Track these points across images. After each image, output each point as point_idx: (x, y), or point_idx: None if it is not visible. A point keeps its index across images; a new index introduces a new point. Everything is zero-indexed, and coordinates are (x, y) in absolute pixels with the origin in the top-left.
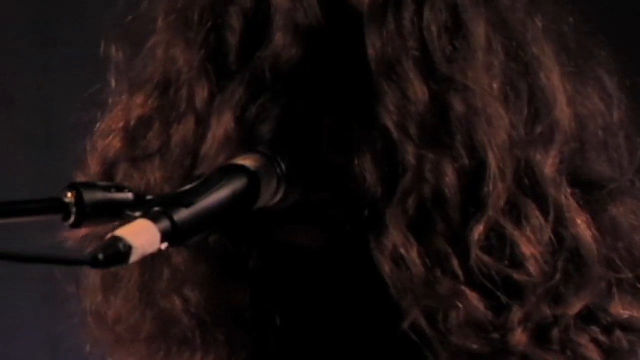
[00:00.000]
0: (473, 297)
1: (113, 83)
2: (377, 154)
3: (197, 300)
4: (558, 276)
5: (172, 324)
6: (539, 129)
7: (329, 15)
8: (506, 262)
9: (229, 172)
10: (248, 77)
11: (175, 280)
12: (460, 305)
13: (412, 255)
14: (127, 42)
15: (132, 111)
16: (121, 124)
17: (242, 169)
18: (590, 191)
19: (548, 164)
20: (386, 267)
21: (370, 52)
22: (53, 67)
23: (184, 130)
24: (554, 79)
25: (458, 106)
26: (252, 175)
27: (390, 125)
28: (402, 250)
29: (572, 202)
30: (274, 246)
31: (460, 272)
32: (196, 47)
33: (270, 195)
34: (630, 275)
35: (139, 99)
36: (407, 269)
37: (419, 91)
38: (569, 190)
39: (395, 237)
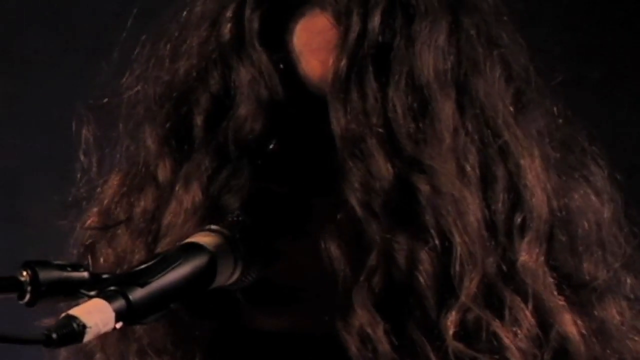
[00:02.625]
0: None
1: (84, 162)
2: (341, 232)
3: None
4: None
5: None
6: (517, 219)
7: (292, 90)
8: (483, 350)
9: (186, 251)
10: (213, 148)
11: (140, 355)
12: None
13: (378, 333)
14: (98, 124)
15: (106, 192)
16: (96, 207)
17: (200, 248)
18: (579, 291)
19: (527, 256)
20: (352, 347)
21: (335, 128)
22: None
23: (144, 200)
24: (533, 167)
25: (423, 187)
26: (209, 255)
27: (354, 202)
28: (369, 330)
29: (557, 300)
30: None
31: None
32: (160, 124)
33: (228, 275)
34: None
35: (113, 180)
36: (373, 348)
37: (383, 169)
38: (554, 287)
39: (361, 316)
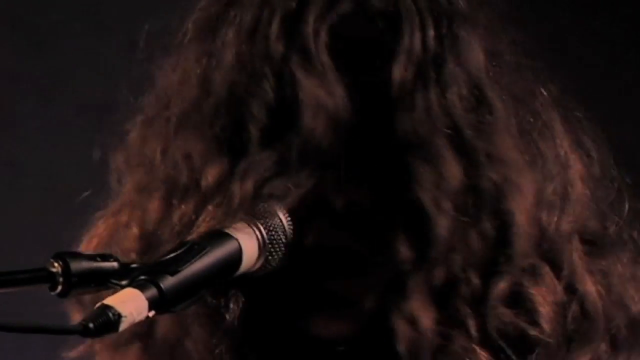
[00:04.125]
0: (483, 355)
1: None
2: (409, 228)
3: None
4: (565, 332)
5: None
6: (555, 194)
7: (356, 100)
8: (524, 318)
9: (213, 239)
10: (274, 157)
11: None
12: None
13: (426, 319)
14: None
15: (150, 215)
16: (135, 229)
17: (226, 235)
18: (589, 247)
19: (564, 224)
20: (398, 326)
21: (401, 133)
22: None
23: (185, 208)
24: (565, 147)
25: (492, 176)
26: (235, 242)
27: (426, 200)
28: (418, 314)
29: (582, 260)
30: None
31: (475, 332)
32: (209, 135)
33: (252, 262)
34: (624, 328)
35: (153, 205)
36: (419, 332)
37: (453, 169)
38: (579, 251)
39: (414, 302)
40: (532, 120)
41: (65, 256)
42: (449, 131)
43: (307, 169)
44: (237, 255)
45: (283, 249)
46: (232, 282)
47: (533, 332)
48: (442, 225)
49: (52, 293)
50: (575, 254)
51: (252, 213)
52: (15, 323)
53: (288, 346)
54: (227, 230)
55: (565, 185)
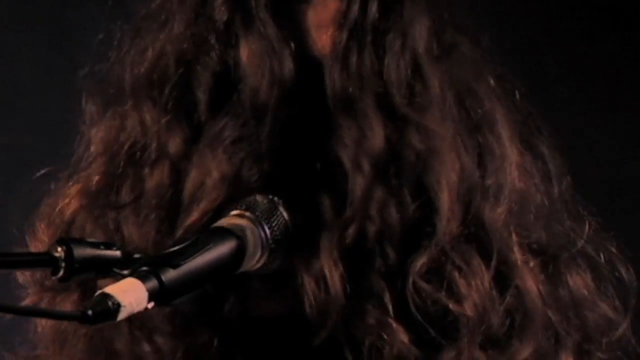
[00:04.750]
0: (399, 330)
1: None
2: (331, 186)
3: (169, 348)
4: (496, 322)
5: None
6: (488, 182)
7: (299, 61)
8: (443, 293)
9: (216, 236)
10: (232, 120)
11: (143, 327)
12: (385, 337)
13: (334, 277)
14: (100, 100)
15: (94, 171)
16: (78, 186)
17: (230, 233)
18: (544, 260)
19: (495, 216)
20: (307, 286)
21: (330, 89)
22: None
23: (157, 175)
24: (504, 140)
25: (416, 145)
26: (238, 240)
27: (344, 159)
28: (326, 272)
29: (521, 259)
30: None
31: (390, 306)
32: (162, 103)
33: (255, 260)
34: (577, 337)
35: (99, 161)
36: (326, 289)
37: (376, 129)
38: (518, 249)
39: (324, 259)
40: (471, 106)
41: (69, 242)
42: (379, 93)
43: (263, 128)
44: (240, 254)
45: (285, 247)
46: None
47: (454, 308)
48: (358, 183)
49: (54, 277)
50: (514, 250)
51: (256, 210)
52: (16, 306)
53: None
54: (231, 228)
55: (500, 176)
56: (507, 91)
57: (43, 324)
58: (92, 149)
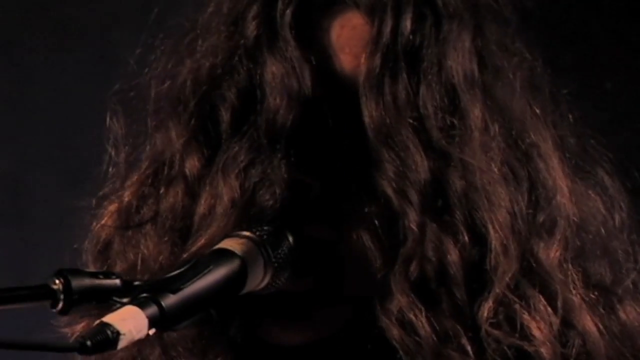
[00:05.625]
0: None
1: (112, 153)
2: (374, 222)
3: None
4: None
5: None
6: (540, 218)
7: (323, 85)
8: (517, 336)
9: (217, 257)
10: (246, 142)
11: (165, 355)
12: None
13: (420, 318)
14: (127, 116)
15: (127, 189)
16: (115, 205)
17: (231, 254)
18: (598, 293)
19: (551, 254)
20: (394, 332)
21: (367, 120)
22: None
23: (172, 196)
24: (554, 170)
25: (457, 182)
26: (240, 261)
27: (390, 192)
28: (410, 314)
29: (580, 299)
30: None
31: (469, 347)
32: (185, 120)
33: (258, 281)
34: None
35: (134, 178)
36: (415, 333)
37: (418, 159)
38: (577, 287)
39: (401, 301)
40: (518, 135)
41: (66, 273)
42: (416, 124)
43: (277, 153)
44: (242, 274)
45: (289, 267)
46: (237, 300)
47: (533, 353)
48: (410, 218)
49: (53, 310)
50: (572, 288)
51: (258, 231)
52: (11, 340)
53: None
54: (232, 249)
55: (553, 210)
56: (560, 115)
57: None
58: (121, 166)
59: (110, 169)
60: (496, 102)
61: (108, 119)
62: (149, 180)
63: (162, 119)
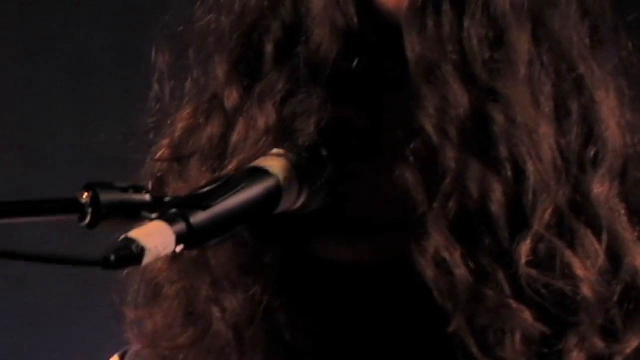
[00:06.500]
0: (522, 309)
1: (158, 91)
2: (416, 158)
3: (232, 306)
4: (613, 307)
5: (211, 334)
6: (590, 152)
7: (366, 18)
8: (556, 277)
9: (250, 174)
10: (287, 73)
11: (214, 287)
12: (510, 319)
13: (455, 258)
14: (174, 52)
15: (177, 124)
16: (167, 140)
17: (264, 172)
18: None
19: (600, 188)
20: (428, 271)
21: (409, 53)
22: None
23: (212, 127)
24: (607, 102)
25: (498, 117)
26: (274, 179)
27: (429, 128)
28: (445, 253)
29: (630, 234)
30: (303, 257)
31: (507, 286)
32: (229, 52)
33: (293, 200)
34: None
35: (184, 112)
36: (450, 272)
37: (458, 95)
38: (627, 222)
39: (437, 240)
40: (568, 67)
41: (95, 187)
42: (458, 60)
43: (317, 86)
44: (275, 192)
45: (324, 186)
46: (272, 220)
47: (571, 291)
48: (448, 155)
49: (81, 224)
50: (623, 223)
51: (291, 148)
52: (34, 253)
53: (308, 274)
54: (265, 167)
55: (602, 143)
56: (619, 44)
57: (139, 281)
58: (168, 101)
59: (155, 105)
60: (546, 32)
61: (154, 54)
62: (195, 114)
63: (207, 52)
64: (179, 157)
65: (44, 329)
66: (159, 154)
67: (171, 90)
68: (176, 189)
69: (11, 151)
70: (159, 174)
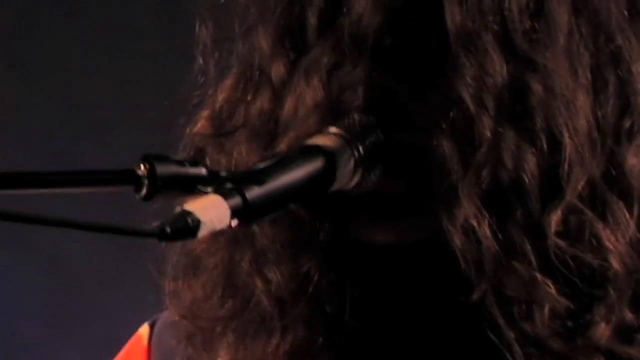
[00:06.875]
0: (548, 283)
1: (200, 61)
2: (453, 127)
3: (277, 279)
4: None
5: (252, 306)
6: (626, 123)
7: None
8: (585, 249)
9: (305, 152)
10: (331, 45)
11: (257, 260)
12: (535, 292)
13: (484, 227)
14: (217, 24)
15: (219, 95)
16: (207, 111)
17: (319, 150)
18: None
19: (635, 160)
20: (456, 239)
21: (450, 24)
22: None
23: (260, 101)
24: None
25: (536, 87)
26: (329, 157)
27: (466, 97)
28: (474, 222)
29: None
30: (347, 240)
31: (534, 259)
32: (273, 25)
33: (347, 178)
34: None
35: (226, 83)
36: (477, 241)
37: (497, 65)
38: None
39: (467, 208)
40: (606, 39)
41: (152, 159)
42: (498, 30)
43: (361, 57)
44: (330, 170)
45: (379, 165)
46: (326, 199)
47: (599, 264)
48: (485, 124)
49: (137, 196)
50: None
51: (347, 128)
52: (87, 222)
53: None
54: (320, 144)
55: (635, 119)
56: None
57: (178, 252)
58: (211, 73)
59: (199, 77)
60: (584, 3)
61: (197, 26)
62: (239, 87)
63: (250, 24)
64: (226, 131)
65: (81, 299)
66: (199, 125)
67: (215, 63)
68: (217, 161)
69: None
70: (198, 146)
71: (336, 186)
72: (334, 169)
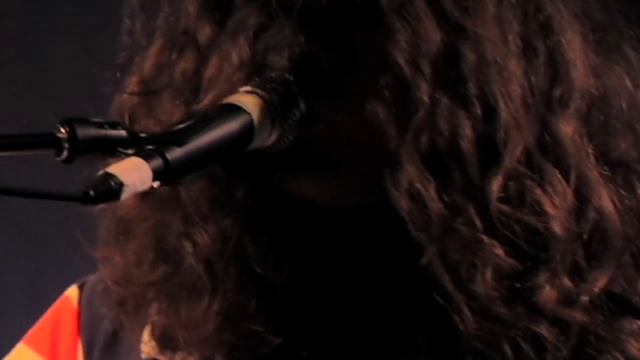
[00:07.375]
0: (494, 244)
1: (129, 27)
2: (387, 92)
3: (203, 240)
4: (580, 246)
5: (183, 270)
6: (557, 92)
7: None
8: (528, 213)
9: (223, 111)
10: (258, 6)
11: (185, 223)
12: (482, 254)
13: (430, 191)
14: None
15: (146, 61)
16: (136, 77)
17: (238, 109)
18: (616, 169)
19: (567, 128)
20: (403, 204)
21: None
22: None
23: (185, 61)
24: (573, 43)
25: (469, 55)
26: (247, 116)
27: (402, 62)
28: (419, 186)
29: (596, 174)
30: (273, 194)
31: (478, 221)
32: None
33: (265, 136)
34: None
35: (153, 49)
36: (424, 205)
37: (430, 31)
38: (593, 163)
39: (410, 172)
40: (535, 8)
41: (72, 122)
42: None
43: (289, 21)
44: (248, 129)
45: (297, 121)
46: (245, 157)
47: (541, 226)
48: (421, 88)
49: (58, 159)
50: (590, 164)
51: (263, 84)
52: (13, 187)
53: (278, 210)
54: (237, 103)
55: (569, 83)
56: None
57: (109, 218)
58: (139, 36)
59: (126, 39)
60: None
61: None
62: (165, 50)
63: None
64: (150, 91)
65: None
66: (128, 91)
67: (142, 26)
68: (146, 124)
69: None
70: (128, 110)
71: (255, 144)
72: (252, 128)
